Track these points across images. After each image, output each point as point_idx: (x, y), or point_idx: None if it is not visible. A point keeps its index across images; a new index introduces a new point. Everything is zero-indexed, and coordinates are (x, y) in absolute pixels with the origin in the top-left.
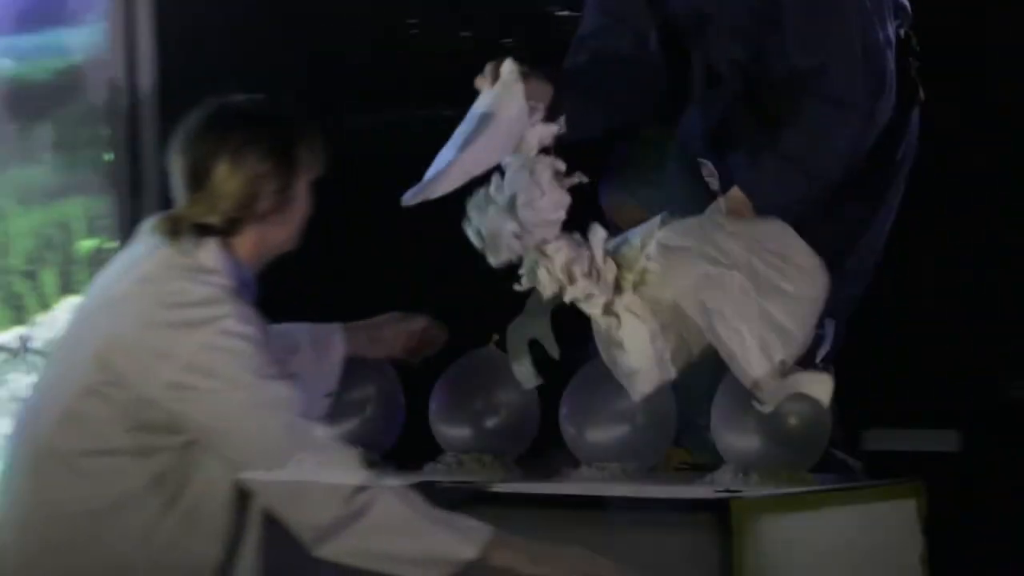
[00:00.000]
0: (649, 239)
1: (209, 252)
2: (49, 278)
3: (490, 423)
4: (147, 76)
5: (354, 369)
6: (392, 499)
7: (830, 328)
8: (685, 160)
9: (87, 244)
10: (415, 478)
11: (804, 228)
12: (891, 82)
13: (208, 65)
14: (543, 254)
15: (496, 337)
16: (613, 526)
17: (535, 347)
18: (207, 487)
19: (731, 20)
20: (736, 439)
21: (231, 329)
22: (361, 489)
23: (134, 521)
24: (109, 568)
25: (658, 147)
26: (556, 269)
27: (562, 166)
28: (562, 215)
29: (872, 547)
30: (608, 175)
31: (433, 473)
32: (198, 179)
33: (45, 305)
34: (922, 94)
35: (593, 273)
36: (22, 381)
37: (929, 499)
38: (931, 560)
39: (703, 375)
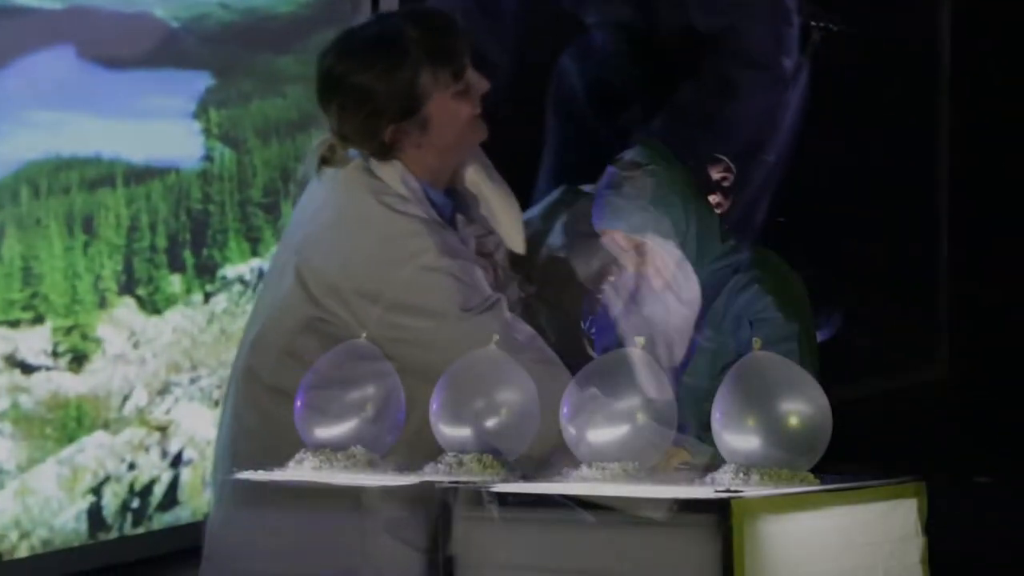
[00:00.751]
0: (553, 221)
1: (395, 176)
2: (288, 211)
3: (490, 423)
4: None
5: (354, 369)
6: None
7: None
8: (676, 183)
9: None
10: (415, 478)
11: None
12: (796, 37)
13: None
14: None
15: (496, 337)
16: (613, 526)
17: None
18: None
19: None
20: (736, 439)
21: (432, 264)
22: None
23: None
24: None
25: (647, 171)
26: None
27: None
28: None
29: (872, 547)
30: (600, 200)
31: (433, 473)
32: (325, 112)
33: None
34: (816, 37)
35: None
36: None
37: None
38: (931, 560)
39: (703, 376)
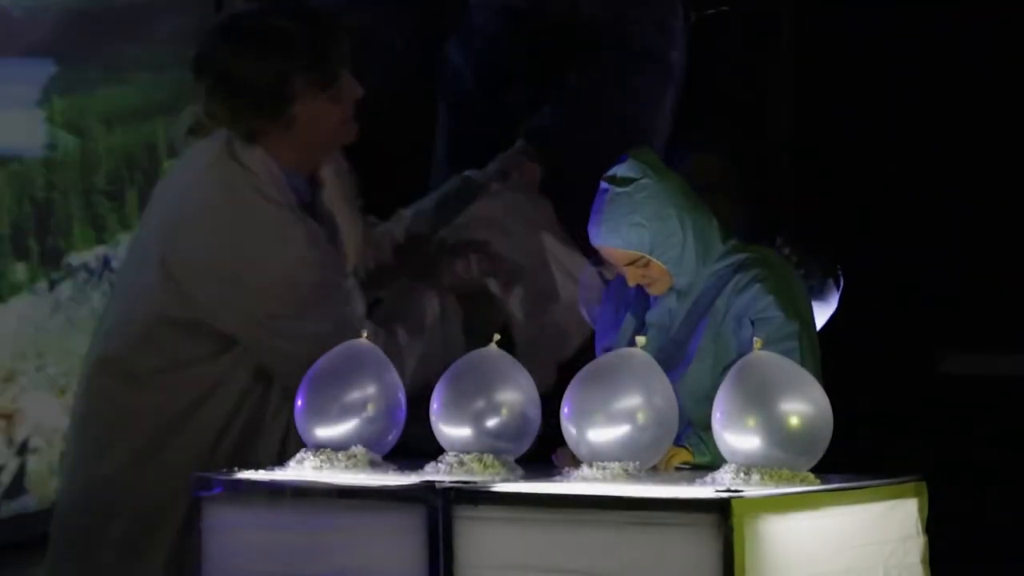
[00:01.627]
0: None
1: (257, 160)
2: (132, 198)
3: (491, 423)
4: None
5: (354, 369)
6: None
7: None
8: (669, 193)
9: (171, 165)
10: (416, 478)
11: None
12: (683, 30)
13: None
14: None
15: (497, 337)
16: (613, 526)
17: None
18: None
19: None
20: (737, 439)
21: (303, 254)
22: None
23: (205, 424)
24: (179, 476)
25: (638, 186)
26: None
27: None
28: None
29: (872, 547)
30: (594, 218)
31: (434, 473)
32: (197, 86)
33: (127, 225)
34: (693, 17)
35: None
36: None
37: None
38: (931, 560)
39: (704, 376)
